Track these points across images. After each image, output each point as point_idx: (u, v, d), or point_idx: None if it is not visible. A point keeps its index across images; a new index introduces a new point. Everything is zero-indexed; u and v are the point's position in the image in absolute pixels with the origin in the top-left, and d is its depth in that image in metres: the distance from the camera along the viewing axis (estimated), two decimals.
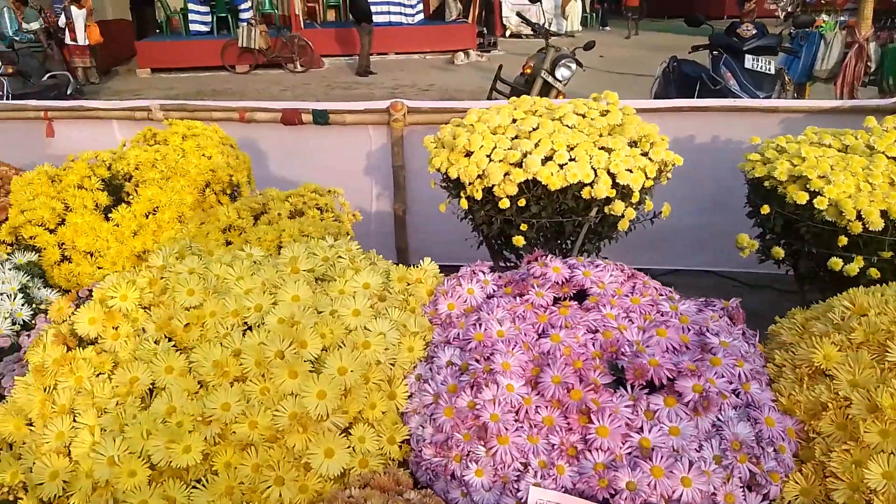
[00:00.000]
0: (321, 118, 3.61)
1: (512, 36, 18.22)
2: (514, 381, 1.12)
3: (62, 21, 10.23)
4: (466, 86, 11.39)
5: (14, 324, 1.88)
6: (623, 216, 2.15)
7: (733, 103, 3.23)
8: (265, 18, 14.60)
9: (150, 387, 1.18)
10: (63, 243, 2.24)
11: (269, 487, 1.07)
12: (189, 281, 1.34)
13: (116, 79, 13.25)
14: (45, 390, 1.21)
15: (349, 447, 1.11)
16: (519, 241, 2.20)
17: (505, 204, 2.13)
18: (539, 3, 5.56)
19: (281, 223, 2.20)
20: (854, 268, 2.02)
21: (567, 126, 2.22)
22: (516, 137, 2.21)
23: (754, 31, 4.60)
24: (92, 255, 2.25)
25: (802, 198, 2.08)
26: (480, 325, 1.23)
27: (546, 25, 5.51)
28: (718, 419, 1.09)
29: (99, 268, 2.22)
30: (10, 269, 2.03)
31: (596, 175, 2.06)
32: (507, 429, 1.07)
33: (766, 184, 2.25)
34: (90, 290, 2.00)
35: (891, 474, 1.01)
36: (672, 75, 5.49)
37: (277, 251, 2.17)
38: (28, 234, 2.22)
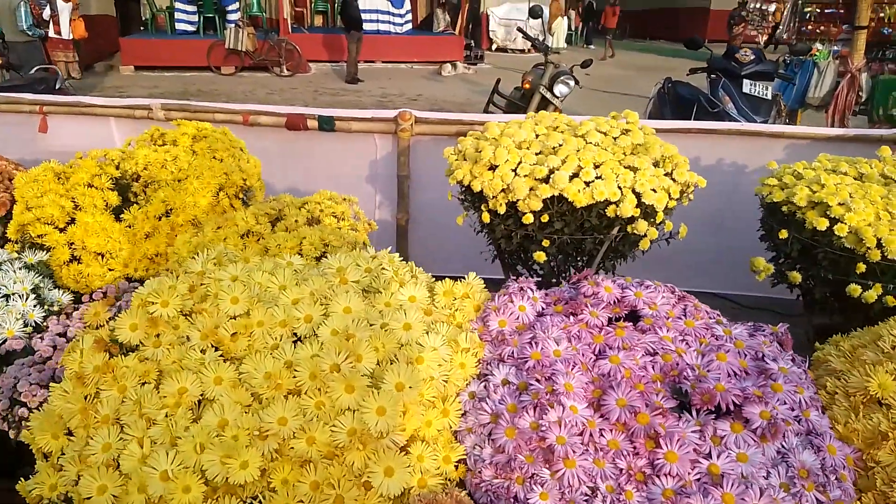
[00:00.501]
0: (327, 124, 3.58)
1: (498, 49, 18.35)
2: (577, 402, 1.10)
3: (46, 13, 10.04)
4: (454, 97, 11.41)
5: (26, 325, 1.82)
6: (645, 235, 2.15)
7: (739, 127, 3.27)
8: (253, 21, 14.50)
9: (199, 398, 1.14)
10: (72, 243, 2.17)
11: None
12: (233, 288, 1.30)
13: (98, 75, 13.04)
14: (86, 399, 1.16)
15: (409, 466, 1.08)
16: (540, 256, 2.18)
17: (529, 219, 2.11)
18: (539, 18, 5.51)
19: (301, 230, 2.16)
20: (872, 295, 2.04)
21: (590, 143, 2.22)
22: (540, 153, 2.20)
23: (752, 57, 4.67)
24: (102, 257, 2.19)
25: (822, 224, 2.11)
26: (537, 343, 1.21)
27: (546, 42, 5.53)
28: (783, 446, 1.08)
29: (110, 269, 2.16)
30: (20, 269, 1.96)
31: (622, 193, 2.06)
32: (574, 451, 1.05)
33: (784, 208, 2.27)
34: (104, 293, 1.95)
35: None
36: (667, 97, 5.55)
37: (298, 256, 2.14)
38: (37, 232, 2.15)
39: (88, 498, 1.03)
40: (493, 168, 2.18)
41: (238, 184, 2.48)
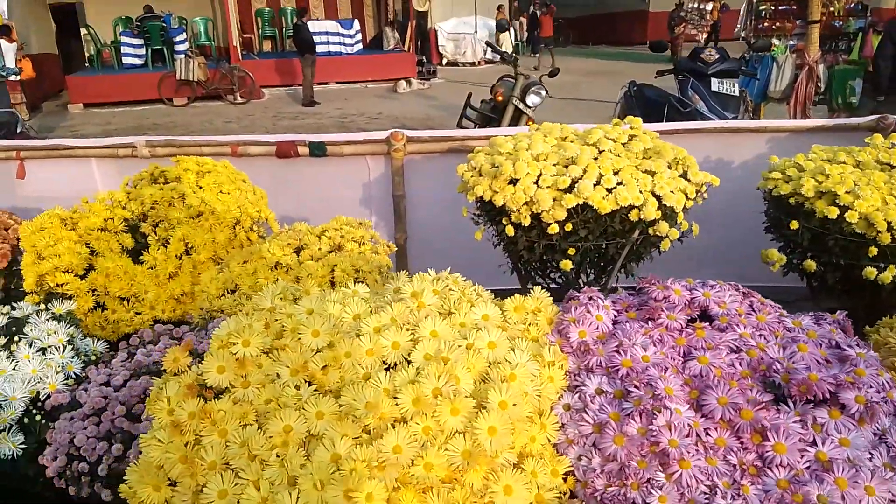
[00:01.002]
0: (318, 150, 3.57)
1: (449, 63, 18.52)
2: (679, 405, 1.13)
3: None
4: (415, 113, 11.47)
5: (67, 378, 1.77)
6: (666, 236, 2.20)
7: (725, 125, 3.38)
8: (202, 50, 14.35)
9: (305, 435, 1.14)
10: (94, 289, 2.12)
11: None
12: (312, 322, 1.30)
13: (48, 115, 12.71)
14: (186, 446, 1.14)
15: (526, 483, 1.09)
16: (567, 264, 2.22)
17: (554, 229, 2.15)
18: (507, 31, 5.60)
19: (329, 259, 2.15)
20: (888, 276, 2.13)
21: (603, 151, 2.27)
22: (556, 164, 2.24)
23: (717, 56, 4.84)
24: (126, 301, 2.14)
25: (833, 212, 2.19)
26: (625, 351, 1.24)
27: (510, 55, 5.62)
28: (877, 428, 1.13)
29: (137, 313, 2.11)
30: (48, 320, 1.91)
31: (643, 198, 2.11)
32: (687, 453, 1.08)
33: (792, 200, 2.36)
34: (140, 338, 1.91)
35: None
36: (634, 99, 5.69)
37: (331, 287, 2.13)
38: (57, 281, 2.09)
39: None
40: (513, 182, 2.21)
41: (253, 216, 2.46)
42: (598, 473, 1.13)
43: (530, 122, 5.62)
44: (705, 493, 1.07)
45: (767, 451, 1.08)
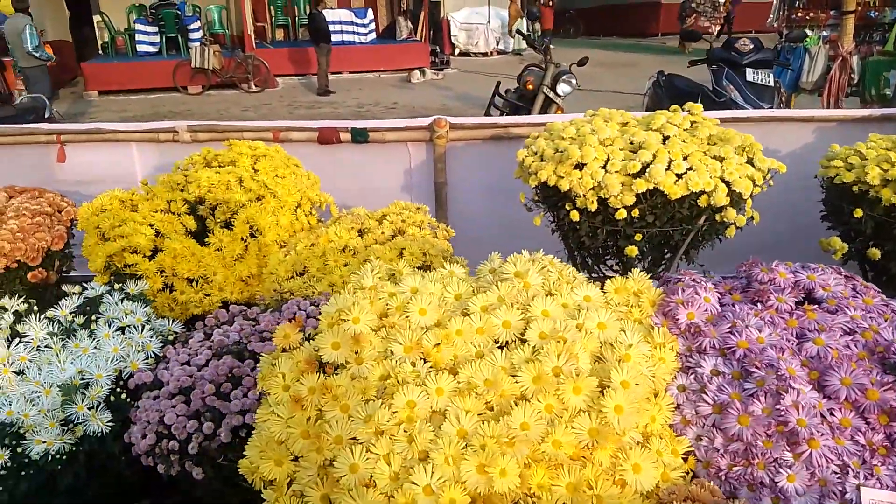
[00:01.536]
0: (360, 136, 3.56)
1: (461, 54, 18.43)
2: (802, 385, 1.13)
3: None
4: (431, 103, 11.43)
5: (147, 357, 1.77)
6: (734, 223, 2.19)
7: (772, 114, 3.36)
8: (215, 38, 14.31)
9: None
10: (163, 270, 2.12)
11: None
12: (419, 300, 1.30)
13: (63, 102, 12.69)
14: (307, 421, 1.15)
15: (654, 461, 1.09)
16: (633, 251, 2.22)
17: (622, 214, 2.14)
18: (538, 20, 5.57)
19: (397, 242, 2.15)
20: None
21: (668, 137, 2.26)
22: (622, 149, 2.23)
23: (752, 46, 4.81)
24: (194, 282, 2.14)
25: None
26: (739, 332, 1.24)
27: (542, 44, 5.59)
28: None
29: (206, 295, 2.11)
30: (124, 300, 1.91)
31: (714, 183, 2.10)
32: (817, 432, 1.07)
33: (855, 188, 2.35)
34: (216, 317, 1.91)
35: None
36: (663, 90, 5.66)
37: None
38: (126, 262, 2.10)
39: None
40: (579, 167, 2.20)
41: (314, 200, 2.46)
42: (721, 453, 1.13)
43: (559, 111, 5.61)
44: (836, 473, 1.06)
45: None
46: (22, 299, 1.88)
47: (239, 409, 1.57)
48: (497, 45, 18.82)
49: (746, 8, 20.92)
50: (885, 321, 1.28)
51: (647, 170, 2.10)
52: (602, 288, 1.45)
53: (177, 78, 13.14)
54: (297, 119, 10.27)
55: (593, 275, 2.55)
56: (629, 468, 1.08)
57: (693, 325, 1.30)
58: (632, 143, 2.26)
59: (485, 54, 18.61)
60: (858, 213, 2.31)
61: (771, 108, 4.69)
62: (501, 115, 5.98)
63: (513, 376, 1.16)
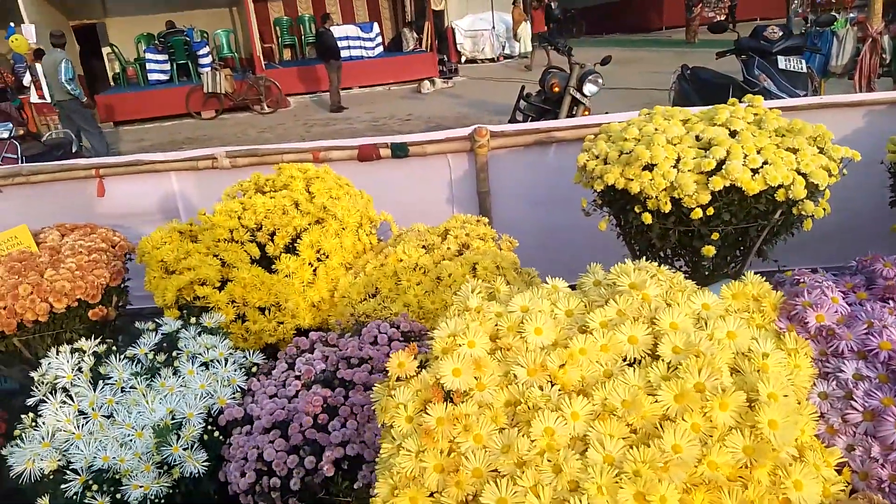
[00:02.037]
0: (401, 151, 3.53)
1: (468, 61, 18.43)
2: None
3: (27, 80, 9.84)
4: (446, 112, 11.42)
5: (234, 392, 1.73)
6: (811, 216, 2.13)
7: (820, 100, 3.29)
8: (225, 62, 14.40)
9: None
10: (234, 300, 2.09)
11: None
12: (536, 319, 1.25)
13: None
14: (441, 454, 1.10)
15: (815, 476, 1.03)
16: (710, 250, 2.16)
17: (697, 214, 2.09)
18: (558, 21, 5.53)
19: (468, 257, 2.10)
20: None
21: (737, 131, 2.20)
22: (691, 146, 2.17)
23: (781, 33, 4.73)
24: (266, 311, 2.10)
25: None
26: (878, 333, 1.17)
27: (564, 45, 5.54)
28: None
29: (279, 323, 2.07)
30: (201, 334, 1.88)
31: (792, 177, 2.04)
32: None
33: None
34: (297, 346, 1.87)
35: None
36: (689, 84, 5.60)
37: None
38: (197, 294, 2.06)
39: None
40: (648, 168, 2.15)
41: (375, 220, 2.42)
42: (880, 464, 1.07)
43: (586, 112, 5.55)
44: None
45: None
46: (99, 339, 1.84)
47: (339, 440, 1.52)
48: (503, 49, 18.80)
49: None
50: None
51: (724, 166, 2.04)
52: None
53: (190, 104, 13.22)
54: (314, 137, 10.28)
55: None
56: (791, 485, 1.02)
57: (824, 327, 1.24)
58: (698, 139, 2.21)
59: (491, 60, 18.60)
60: None
61: (806, 94, 4.61)
62: (527, 119, 5.93)
63: (651, 395, 1.10)
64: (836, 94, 3.75)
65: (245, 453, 1.57)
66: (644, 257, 2.48)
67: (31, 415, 1.71)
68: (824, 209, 2.29)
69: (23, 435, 1.63)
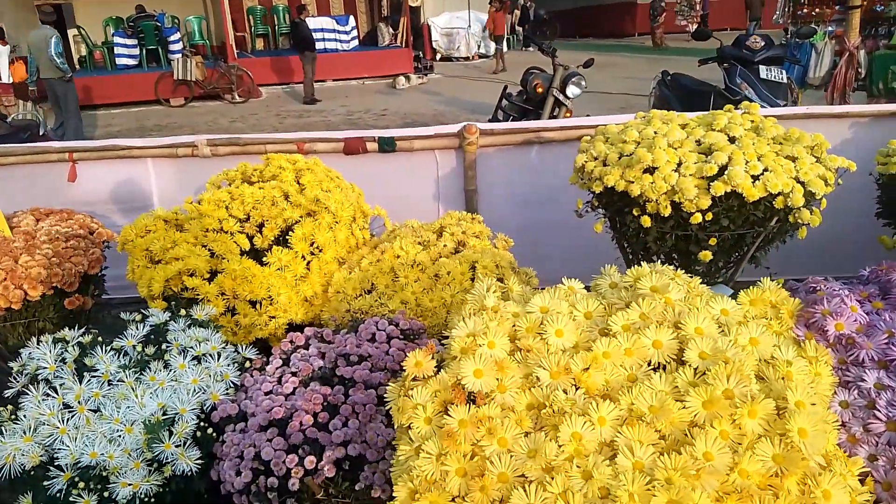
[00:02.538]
0: (388, 145, 3.48)
1: (443, 59, 18.39)
2: None
3: None
4: (422, 109, 11.36)
5: (228, 388, 1.67)
6: (806, 224, 2.14)
7: (806, 110, 3.33)
8: (196, 49, 14.12)
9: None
10: (223, 293, 2.02)
11: None
12: (558, 320, 1.22)
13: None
14: (464, 457, 1.06)
15: (844, 486, 1.02)
16: (706, 255, 2.16)
17: (697, 218, 2.08)
18: (545, 22, 5.52)
19: (467, 255, 2.07)
20: None
21: (736, 137, 2.20)
22: (692, 151, 2.17)
23: (763, 43, 4.80)
24: (257, 304, 2.04)
25: None
26: None
27: (549, 47, 5.54)
28: None
29: (271, 317, 2.01)
30: (190, 327, 1.81)
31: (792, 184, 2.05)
32: None
33: None
34: (291, 341, 1.82)
35: None
36: (670, 89, 5.65)
37: (472, 284, 2.05)
38: (185, 285, 1.98)
39: None
40: (649, 171, 2.14)
41: (368, 213, 2.37)
42: None
43: (568, 114, 5.56)
44: None
45: None
46: (83, 330, 1.76)
47: (341, 440, 1.47)
48: (478, 49, 18.80)
49: (719, 6, 21.21)
50: None
51: (725, 172, 2.03)
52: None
53: (159, 90, 12.92)
54: (288, 129, 10.13)
55: None
56: (820, 495, 1.00)
57: (843, 336, 1.23)
58: (698, 143, 2.20)
59: (466, 58, 18.58)
60: None
61: (786, 104, 4.68)
62: (508, 118, 5.92)
63: (678, 401, 1.08)
64: (816, 106, 3.82)
65: (240, 451, 1.51)
66: (637, 261, 2.50)
67: (9, 407, 1.63)
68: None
69: (1, 428, 1.54)
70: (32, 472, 1.49)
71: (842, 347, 1.23)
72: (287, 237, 2.19)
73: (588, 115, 4.29)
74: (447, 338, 1.33)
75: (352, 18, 15.97)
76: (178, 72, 12.65)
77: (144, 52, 13.88)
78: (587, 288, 1.41)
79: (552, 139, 3.42)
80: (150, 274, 2.03)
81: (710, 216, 2.10)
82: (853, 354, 1.20)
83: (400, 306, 1.94)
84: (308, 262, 2.11)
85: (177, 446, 1.50)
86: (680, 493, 0.96)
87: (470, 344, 1.20)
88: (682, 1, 21.43)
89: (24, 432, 1.51)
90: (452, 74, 16.04)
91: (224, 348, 1.74)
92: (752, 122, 2.34)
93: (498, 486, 1.02)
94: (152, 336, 1.80)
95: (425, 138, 3.48)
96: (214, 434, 1.58)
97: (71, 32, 14.94)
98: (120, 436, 1.50)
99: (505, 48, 16.61)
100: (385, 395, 1.61)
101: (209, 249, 2.10)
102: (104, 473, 1.47)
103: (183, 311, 1.83)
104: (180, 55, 12.83)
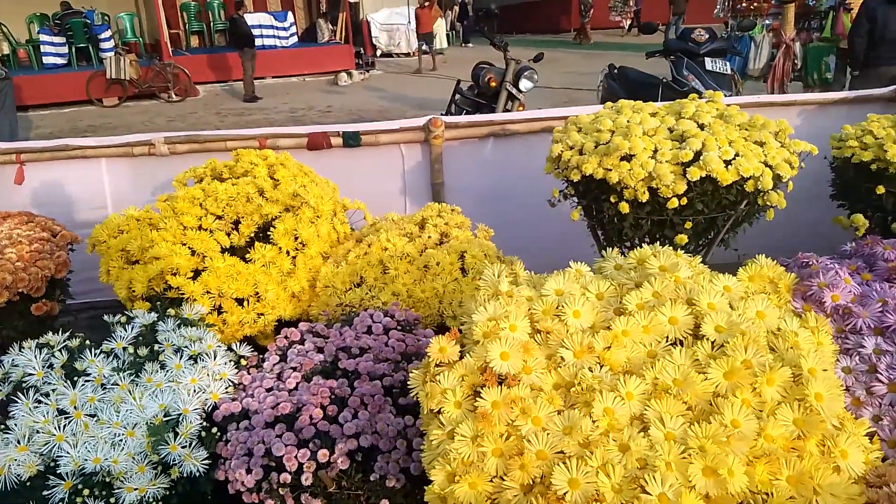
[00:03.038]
0: (353, 140, 3.45)
1: (383, 55, 18.31)
2: None
3: None
4: (367, 105, 11.29)
5: (227, 386, 1.64)
6: (774, 206, 2.24)
7: (757, 99, 3.47)
8: (129, 47, 13.64)
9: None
10: (208, 291, 1.97)
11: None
12: (577, 301, 1.25)
13: None
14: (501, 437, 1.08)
15: (858, 445, 1.09)
16: (682, 239, 2.23)
17: (674, 203, 2.15)
18: (496, 17, 5.56)
19: (454, 245, 2.08)
20: None
21: (704, 124, 2.29)
22: (665, 138, 2.24)
23: (707, 36, 4.97)
24: (241, 302, 2.00)
25: None
26: (893, 311, 1.25)
27: (501, 41, 5.60)
28: None
29: (259, 314, 1.98)
30: (180, 326, 1.76)
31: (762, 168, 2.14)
32: None
33: (874, 166, 2.45)
34: (286, 337, 1.80)
35: None
36: (617, 82, 5.78)
37: (461, 273, 2.06)
38: (170, 284, 1.94)
39: None
40: (626, 158, 2.20)
41: (349, 207, 2.35)
42: None
43: (521, 107, 5.63)
44: None
45: None
46: (67, 333, 1.70)
47: (352, 432, 1.47)
48: (420, 46, 18.77)
49: (650, 2, 21.80)
50: None
51: (700, 158, 2.11)
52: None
53: (91, 90, 12.44)
54: (229, 127, 9.89)
55: None
56: (839, 454, 1.07)
57: (840, 306, 1.30)
58: (671, 131, 2.28)
59: (407, 55, 18.54)
60: (881, 189, 2.41)
61: (730, 94, 4.86)
62: (461, 112, 5.94)
63: (699, 373, 1.13)
64: (757, 95, 3.98)
65: (247, 449, 1.49)
66: (612, 247, 2.56)
67: None
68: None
69: None
70: (29, 483, 1.43)
71: (839, 317, 1.30)
72: (267, 234, 2.16)
73: (540, 108, 4.36)
74: (445, 326, 1.34)
75: (290, 14, 15.72)
76: (110, 71, 12.21)
77: (74, 50, 13.33)
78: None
79: (517, 131, 3.46)
80: (130, 275, 1.97)
81: (685, 201, 2.18)
82: (850, 323, 1.28)
83: (392, 298, 1.94)
84: (294, 258, 2.09)
85: (183, 447, 1.46)
86: (715, 460, 1.00)
87: (492, 328, 1.21)
88: None
89: (18, 441, 1.45)
90: (393, 71, 16.00)
91: (219, 347, 1.71)
92: (717, 109, 2.44)
93: (538, 463, 1.04)
94: (140, 338, 1.75)
95: (391, 132, 3.47)
96: (218, 434, 1.55)
97: None
98: (122, 440, 1.45)
99: (437, 45, 16.61)
100: (391, 386, 1.62)
101: (189, 248, 2.05)
102: (107, 479, 1.42)
103: (172, 312, 1.78)
104: (113, 53, 12.38)
